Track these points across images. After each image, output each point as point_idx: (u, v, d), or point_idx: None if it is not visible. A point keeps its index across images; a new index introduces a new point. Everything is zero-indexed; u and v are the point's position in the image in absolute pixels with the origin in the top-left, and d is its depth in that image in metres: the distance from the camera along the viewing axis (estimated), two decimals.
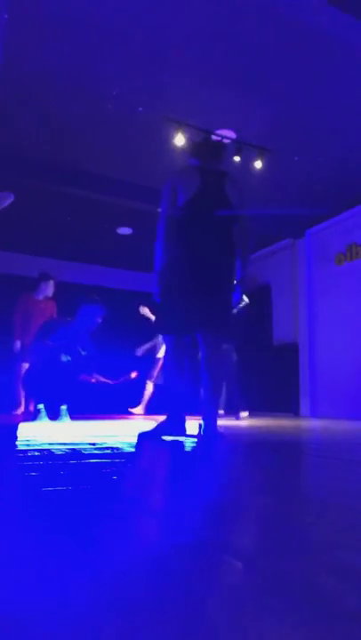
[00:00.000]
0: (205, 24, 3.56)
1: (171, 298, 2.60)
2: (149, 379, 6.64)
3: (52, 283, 6.06)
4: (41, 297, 6.06)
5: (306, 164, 5.53)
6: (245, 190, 2.80)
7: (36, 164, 5.51)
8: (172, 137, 4.81)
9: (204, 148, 2.84)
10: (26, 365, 5.78)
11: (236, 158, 5.16)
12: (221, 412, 5.89)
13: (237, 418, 5.75)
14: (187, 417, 2.69)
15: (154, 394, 6.63)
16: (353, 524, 1.01)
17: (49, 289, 6.05)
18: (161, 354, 6.39)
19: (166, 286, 2.62)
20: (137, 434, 2.65)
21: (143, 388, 6.64)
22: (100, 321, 4.49)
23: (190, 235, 2.58)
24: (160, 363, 6.48)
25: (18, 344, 5.93)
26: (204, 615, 0.55)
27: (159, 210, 2.72)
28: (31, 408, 5.75)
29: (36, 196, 6.09)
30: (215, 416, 2.61)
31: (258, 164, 5.31)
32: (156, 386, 6.65)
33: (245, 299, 5.81)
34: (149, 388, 6.64)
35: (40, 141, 5.11)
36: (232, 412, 5.97)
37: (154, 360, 6.59)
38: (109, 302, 7.03)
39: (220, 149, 2.87)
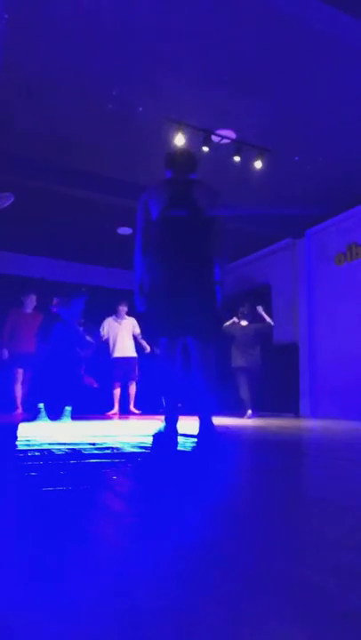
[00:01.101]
0: (205, 24, 3.56)
1: (155, 306, 2.69)
2: (134, 380, 6.83)
3: (32, 297, 6.65)
4: (29, 310, 6.62)
5: (306, 164, 5.53)
6: (218, 193, 2.83)
7: (36, 164, 5.51)
8: (172, 137, 4.81)
9: (175, 159, 2.92)
10: (20, 371, 6.43)
11: (236, 158, 5.16)
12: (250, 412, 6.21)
13: (250, 416, 6.03)
14: (183, 417, 2.71)
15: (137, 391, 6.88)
16: (354, 524, 1.01)
17: (30, 302, 6.64)
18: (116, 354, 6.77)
19: (150, 295, 2.72)
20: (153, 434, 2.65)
21: (127, 389, 6.81)
22: (86, 299, 4.93)
23: (164, 244, 2.69)
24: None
25: (5, 352, 6.42)
26: (204, 614, 0.55)
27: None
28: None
29: (36, 196, 6.09)
30: (210, 416, 2.64)
31: (258, 164, 5.31)
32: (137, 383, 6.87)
33: (270, 321, 6.26)
34: (133, 388, 6.84)
35: (40, 141, 5.11)
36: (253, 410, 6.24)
37: (129, 362, 6.78)
38: (109, 302, 7.08)
39: (190, 159, 2.94)
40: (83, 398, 5.50)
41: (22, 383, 6.48)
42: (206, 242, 2.71)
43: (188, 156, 2.97)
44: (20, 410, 6.39)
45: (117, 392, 6.77)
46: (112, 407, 6.71)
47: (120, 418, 6.06)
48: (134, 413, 6.66)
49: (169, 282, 2.63)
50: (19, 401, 6.44)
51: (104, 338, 6.79)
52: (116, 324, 6.86)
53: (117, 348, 6.77)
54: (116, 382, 6.79)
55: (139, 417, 6.21)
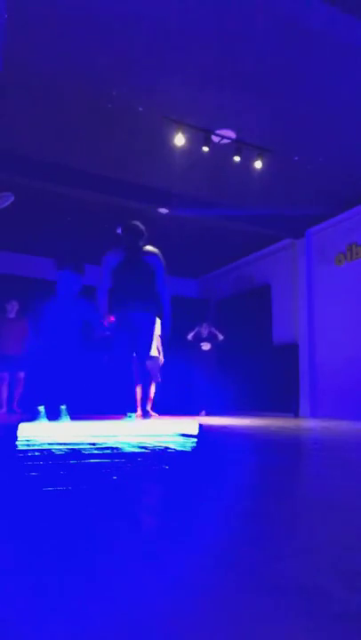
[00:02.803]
0: (206, 24, 3.56)
1: (116, 334, 4.17)
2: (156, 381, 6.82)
3: (13, 302, 6.86)
4: (12, 315, 6.83)
5: (306, 164, 5.53)
6: (159, 255, 4.16)
7: (36, 164, 5.51)
8: (172, 137, 4.81)
9: (126, 234, 4.25)
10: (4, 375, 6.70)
11: (236, 158, 5.16)
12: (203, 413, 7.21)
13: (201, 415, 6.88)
14: (182, 417, 2.79)
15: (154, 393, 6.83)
16: (355, 524, 1.01)
17: (12, 307, 6.86)
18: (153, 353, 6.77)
19: (113, 324, 4.19)
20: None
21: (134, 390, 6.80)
22: (81, 278, 4.45)
23: (118, 292, 4.10)
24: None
25: None
26: (204, 615, 0.55)
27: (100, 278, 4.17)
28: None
29: (36, 196, 6.09)
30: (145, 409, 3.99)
31: (258, 164, 5.31)
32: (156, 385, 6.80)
33: (220, 336, 7.38)
34: (138, 390, 6.80)
35: (40, 141, 5.11)
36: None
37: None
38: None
39: (136, 231, 4.20)
40: (89, 399, 5.43)
41: (10, 385, 6.71)
42: (149, 290, 4.07)
43: (136, 229, 4.21)
44: (4, 409, 6.63)
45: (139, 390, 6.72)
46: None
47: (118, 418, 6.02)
48: (150, 415, 6.55)
49: (121, 317, 4.04)
50: (3, 400, 6.71)
51: None
52: None
53: None
54: (138, 382, 6.69)
55: (157, 418, 6.11)
